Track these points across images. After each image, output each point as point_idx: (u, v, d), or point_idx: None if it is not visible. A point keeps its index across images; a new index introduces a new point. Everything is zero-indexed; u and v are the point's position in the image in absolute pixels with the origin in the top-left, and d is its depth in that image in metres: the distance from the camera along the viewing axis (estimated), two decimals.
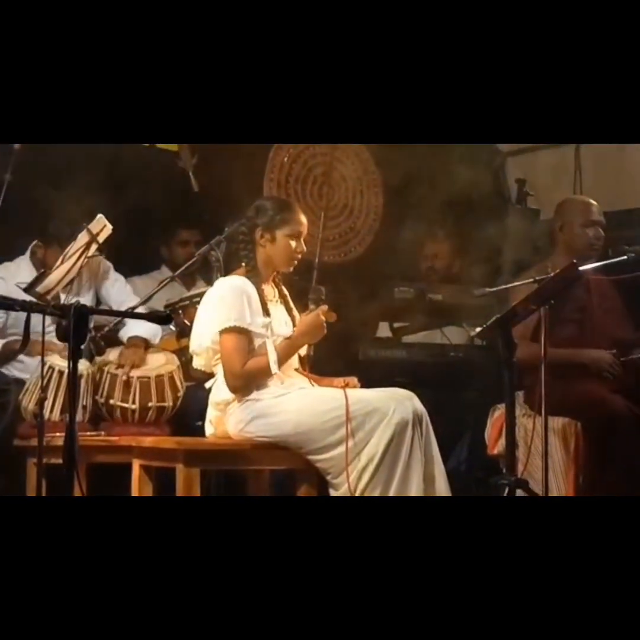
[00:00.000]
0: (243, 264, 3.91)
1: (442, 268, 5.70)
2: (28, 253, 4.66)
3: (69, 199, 4.38)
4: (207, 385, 3.95)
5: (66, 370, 3.53)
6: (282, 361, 3.80)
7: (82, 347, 2.90)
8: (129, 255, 5.04)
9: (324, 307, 3.85)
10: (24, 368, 4.42)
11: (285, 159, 5.75)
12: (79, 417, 4.11)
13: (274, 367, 3.76)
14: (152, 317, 3.13)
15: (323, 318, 3.82)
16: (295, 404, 3.75)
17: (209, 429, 3.92)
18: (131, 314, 3.88)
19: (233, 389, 3.79)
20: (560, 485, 4.29)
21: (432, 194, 5.37)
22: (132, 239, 4.98)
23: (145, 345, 4.46)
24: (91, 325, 4.57)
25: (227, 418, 3.84)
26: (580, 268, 4.02)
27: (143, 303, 4.43)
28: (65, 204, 4.42)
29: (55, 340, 3.12)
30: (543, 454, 3.92)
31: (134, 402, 4.26)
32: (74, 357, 2.83)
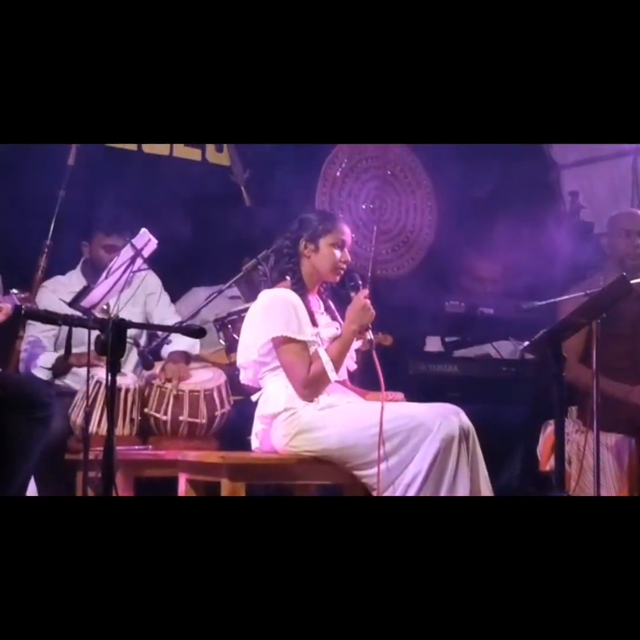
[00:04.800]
0: (288, 277, 3.91)
1: (493, 282, 5.66)
2: (79, 266, 4.71)
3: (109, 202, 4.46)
4: (253, 398, 3.94)
5: None
6: (337, 363, 3.78)
7: (122, 360, 2.93)
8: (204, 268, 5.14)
9: (365, 291, 3.82)
10: (78, 380, 4.45)
11: (338, 174, 5.74)
12: (127, 431, 4.15)
13: (331, 375, 3.75)
14: (186, 330, 3.15)
15: (366, 301, 3.79)
16: (340, 419, 3.72)
17: (254, 443, 3.91)
18: (165, 327, 3.90)
19: (304, 396, 3.78)
20: None
21: (484, 208, 5.34)
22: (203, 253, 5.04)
23: (185, 358, 4.47)
24: (142, 340, 4.62)
25: (272, 432, 3.82)
26: (632, 281, 3.95)
27: (191, 318, 4.43)
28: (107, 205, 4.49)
29: None
30: (595, 470, 3.85)
31: (182, 416, 4.27)
32: (112, 370, 2.86)
